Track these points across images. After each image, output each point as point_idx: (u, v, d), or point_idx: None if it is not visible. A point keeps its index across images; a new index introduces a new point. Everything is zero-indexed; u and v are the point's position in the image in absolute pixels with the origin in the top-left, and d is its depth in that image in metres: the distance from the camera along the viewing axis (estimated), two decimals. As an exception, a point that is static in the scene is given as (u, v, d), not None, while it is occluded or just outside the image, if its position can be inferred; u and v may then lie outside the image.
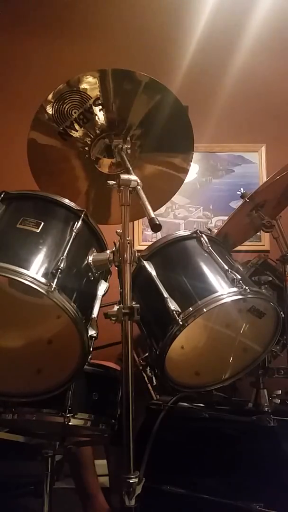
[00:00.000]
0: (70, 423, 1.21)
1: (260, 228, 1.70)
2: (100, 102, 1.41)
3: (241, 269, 1.47)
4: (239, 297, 1.25)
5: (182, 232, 1.49)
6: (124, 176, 1.12)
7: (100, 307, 1.18)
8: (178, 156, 1.58)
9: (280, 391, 1.65)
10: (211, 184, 2.65)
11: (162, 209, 2.48)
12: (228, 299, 1.24)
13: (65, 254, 1.11)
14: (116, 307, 1.06)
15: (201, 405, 1.56)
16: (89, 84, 1.37)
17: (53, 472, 1.37)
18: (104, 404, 1.33)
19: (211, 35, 2.64)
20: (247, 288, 1.25)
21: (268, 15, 2.66)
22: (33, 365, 1.20)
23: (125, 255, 1.11)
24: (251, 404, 1.58)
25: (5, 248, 1.09)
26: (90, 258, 1.22)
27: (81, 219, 1.24)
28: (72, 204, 1.27)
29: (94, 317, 1.14)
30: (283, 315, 1.38)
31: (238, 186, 1.76)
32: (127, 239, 1.11)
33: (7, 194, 1.23)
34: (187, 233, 1.47)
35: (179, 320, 1.20)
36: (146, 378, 1.41)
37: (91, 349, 1.12)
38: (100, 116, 1.44)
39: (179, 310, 1.22)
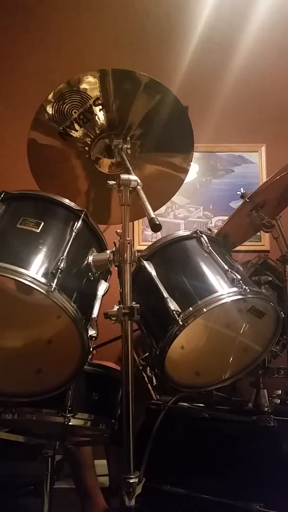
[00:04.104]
0: (70, 423, 1.21)
1: (260, 228, 1.70)
2: (100, 102, 1.41)
3: (241, 269, 1.47)
4: (239, 297, 1.25)
5: (182, 232, 1.49)
6: (124, 176, 1.12)
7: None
8: (178, 156, 1.58)
9: (280, 391, 1.66)
10: (211, 184, 2.65)
11: (162, 209, 2.48)
12: (228, 299, 1.24)
13: (65, 254, 1.11)
14: (116, 307, 1.06)
15: (201, 405, 1.56)
16: (89, 84, 1.37)
17: (53, 472, 1.36)
18: (104, 404, 1.33)
19: (211, 35, 2.64)
20: (247, 288, 1.25)
21: (268, 15, 2.66)
22: (33, 365, 1.20)
23: (125, 255, 1.11)
24: (251, 404, 1.58)
25: (5, 248, 1.09)
26: (90, 258, 1.22)
27: (81, 219, 1.24)
28: (72, 204, 1.27)
29: (94, 317, 1.14)
30: (283, 315, 1.38)
31: (238, 186, 1.76)
32: (127, 239, 1.11)
33: (7, 194, 1.23)
34: (187, 233, 1.47)
35: (179, 320, 1.20)
36: (146, 378, 1.41)
37: (91, 349, 1.12)
38: (100, 116, 1.44)
39: (179, 310, 1.22)
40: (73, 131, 1.46)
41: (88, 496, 1.72)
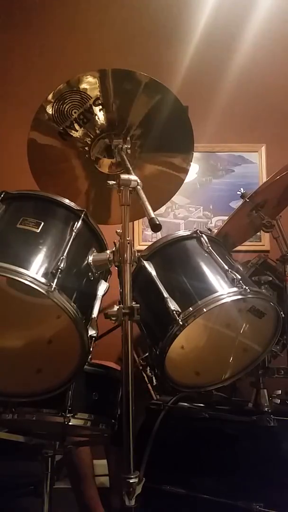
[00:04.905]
0: (70, 423, 1.21)
1: (260, 228, 1.70)
2: (100, 102, 1.41)
3: (241, 269, 1.47)
4: (239, 297, 1.25)
5: (182, 232, 1.49)
6: (124, 176, 1.12)
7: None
8: (178, 156, 1.58)
9: (280, 391, 1.65)
10: (211, 184, 2.65)
11: (162, 209, 2.48)
12: (228, 299, 1.24)
13: (65, 254, 1.11)
14: (116, 307, 1.06)
15: (201, 405, 1.56)
16: (89, 84, 1.37)
17: (53, 472, 1.36)
18: (104, 404, 1.33)
19: (211, 35, 2.64)
20: (247, 288, 1.25)
21: (268, 15, 2.66)
22: (33, 365, 1.20)
23: (125, 255, 1.11)
24: (251, 404, 1.58)
25: (5, 248, 1.09)
26: (90, 258, 1.22)
27: (81, 219, 1.24)
28: (72, 204, 1.27)
29: (94, 317, 1.14)
30: (283, 315, 1.37)
31: (238, 186, 1.76)
32: (127, 239, 1.11)
33: (7, 194, 1.23)
34: (187, 233, 1.47)
35: (179, 320, 1.20)
36: (146, 378, 1.41)
37: (91, 349, 1.12)
38: (100, 116, 1.44)
39: (179, 310, 1.22)
40: (73, 131, 1.46)
41: (87, 508, 1.72)
